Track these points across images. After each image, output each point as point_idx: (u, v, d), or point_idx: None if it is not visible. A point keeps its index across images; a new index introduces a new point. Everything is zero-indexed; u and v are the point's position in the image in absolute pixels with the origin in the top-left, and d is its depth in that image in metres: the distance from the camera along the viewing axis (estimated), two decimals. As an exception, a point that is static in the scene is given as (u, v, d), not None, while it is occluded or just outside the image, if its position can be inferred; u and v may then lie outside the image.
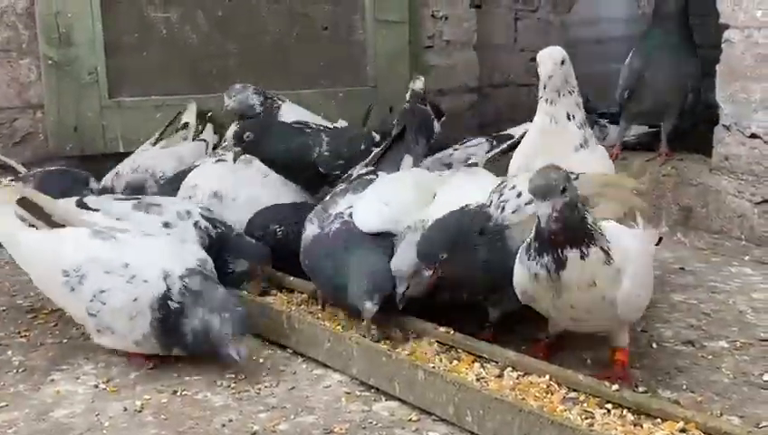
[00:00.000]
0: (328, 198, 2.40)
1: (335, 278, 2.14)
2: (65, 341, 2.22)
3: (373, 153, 2.66)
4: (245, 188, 2.77)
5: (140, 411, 1.81)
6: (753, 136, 3.05)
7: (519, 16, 5.24)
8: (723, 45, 3.17)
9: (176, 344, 1.99)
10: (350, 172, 2.60)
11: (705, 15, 4.20)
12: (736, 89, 3.09)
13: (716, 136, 3.25)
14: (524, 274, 1.75)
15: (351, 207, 2.27)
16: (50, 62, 3.34)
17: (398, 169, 2.56)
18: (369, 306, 2.00)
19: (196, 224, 2.38)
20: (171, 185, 2.86)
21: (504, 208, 1.99)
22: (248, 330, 1.98)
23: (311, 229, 2.28)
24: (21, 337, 2.25)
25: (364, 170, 2.54)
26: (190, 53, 3.71)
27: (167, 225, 2.34)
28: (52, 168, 3.10)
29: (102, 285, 1.96)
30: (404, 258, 2.05)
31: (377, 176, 2.48)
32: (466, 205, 2.06)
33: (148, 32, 3.63)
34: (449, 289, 2.07)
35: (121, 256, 2.00)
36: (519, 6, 5.20)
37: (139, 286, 1.96)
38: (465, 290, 2.07)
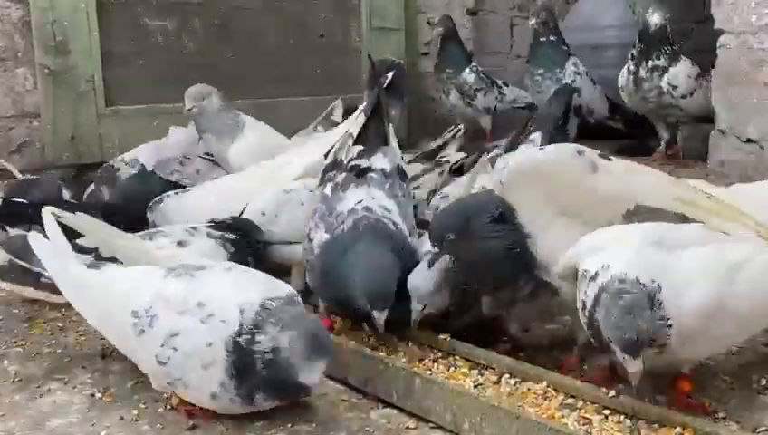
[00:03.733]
0: (327, 192, 2.15)
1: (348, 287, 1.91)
2: (61, 350, 2.21)
3: (346, 132, 2.30)
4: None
5: (137, 420, 1.80)
6: (749, 141, 3.06)
7: (515, 23, 5.26)
8: (718, 50, 3.19)
9: (255, 387, 1.68)
10: (333, 157, 2.25)
11: (700, 21, 4.22)
12: (732, 94, 3.10)
13: (712, 141, 3.26)
14: None
15: (362, 201, 2.05)
16: (46, 70, 3.35)
17: (386, 143, 2.25)
18: (378, 316, 1.90)
19: (208, 235, 2.27)
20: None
21: None
22: (327, 354, 1.70)
23: (318, 237, 2.05)
24: (17, 346, 2.24)
25: (354, 152, 2.22)
26: (187, 60, 3.73)
27: (181, 244, 2.23)
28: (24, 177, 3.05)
29: (174, 328, 1.71)
30: (424, 277, 1.93)
31: (369, 160, 2.18)
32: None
33: (144, 40, 3.65)
34: (463, 285, 1.98)
35: (196, 293, 1.73)
36: (515, 13, 5.23)
37: (215, 328, 1.68)
38: (474, 280, 1.96)
